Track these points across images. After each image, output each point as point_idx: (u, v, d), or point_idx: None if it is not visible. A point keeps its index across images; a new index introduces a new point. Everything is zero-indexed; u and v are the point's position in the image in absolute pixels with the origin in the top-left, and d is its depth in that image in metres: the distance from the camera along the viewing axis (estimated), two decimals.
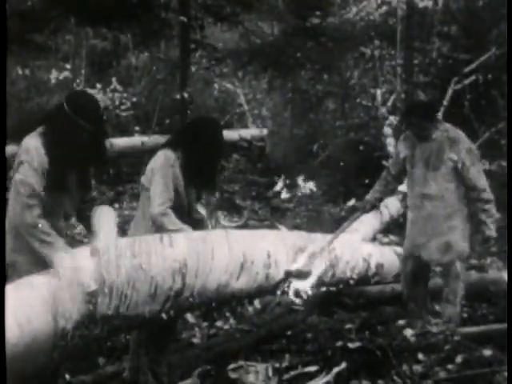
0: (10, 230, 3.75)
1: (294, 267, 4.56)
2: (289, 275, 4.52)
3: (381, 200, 5.77)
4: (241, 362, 4.88)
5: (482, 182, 5.30)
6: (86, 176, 4.05)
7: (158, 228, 4.36)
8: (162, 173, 4.43)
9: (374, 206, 5.68)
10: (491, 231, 5.33)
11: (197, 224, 4.64)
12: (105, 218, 3.95)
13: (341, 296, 6.01)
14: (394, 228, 8.77)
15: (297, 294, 4.56)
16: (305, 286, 4.55)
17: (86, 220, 4.04)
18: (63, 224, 3.97)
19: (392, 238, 8.46)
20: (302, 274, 4.56)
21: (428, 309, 5.61)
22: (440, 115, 5.75)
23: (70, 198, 3.95)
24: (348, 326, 5.55)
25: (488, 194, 5.30)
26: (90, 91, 15.07)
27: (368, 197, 5.66)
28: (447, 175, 5.30)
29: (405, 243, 5.64)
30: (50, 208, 3.79)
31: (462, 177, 5.28)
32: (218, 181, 4.93)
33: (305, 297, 4.58)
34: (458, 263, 5.36)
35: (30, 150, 3.70)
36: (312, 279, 4.61)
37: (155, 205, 4.38)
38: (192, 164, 4.53)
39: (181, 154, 4.53)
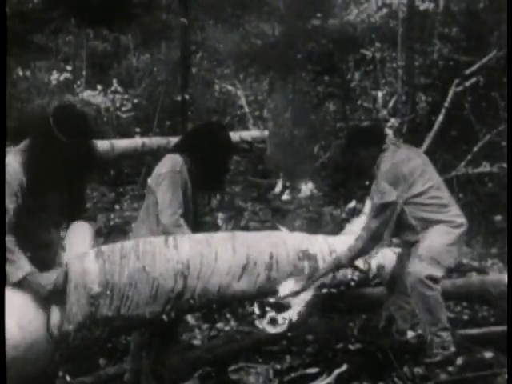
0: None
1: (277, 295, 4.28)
2: (266, 305, 4.29)
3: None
4: (241, 364, 4.89)
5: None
6: (75, 188, 3.97)
7: (164, 230, 4.34)
8: (170, 179, 4.41)
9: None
10: None
11: (203, 228, 4.63)
12: (77, 233, 3.92)
13: (340, 298, 6.01)
14: None
15: (272, 322, 4.28)
16: (281, 317, 4.25)
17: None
18: (55, 235, 3.95)
19: (393, 239, 8.46)
20: (279, 306, 4.30)
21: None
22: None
23: (58, 211, 3.90)
24: (349, 327, 5.57)
25: None
26: (90, 93, 15.13)
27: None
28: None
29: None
30: (37, 221, 3.77)
31: None
32: (225, 184, 4.89)
33: (280, 329, 4.27)
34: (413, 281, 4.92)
35: (8, 168, 3.61)
36: (290, 312, 4.29)
37: (166, 215, 4.35)
38: (199, 168, 4.51)
39: (188, 158, 4.51)
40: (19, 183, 3.63)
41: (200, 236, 4.26)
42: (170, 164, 4.48)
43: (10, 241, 3.55)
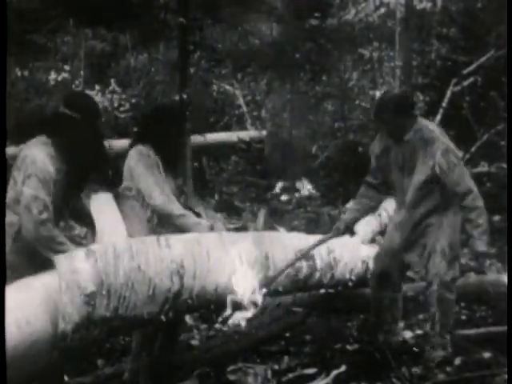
0: (9, 232, 3.73)
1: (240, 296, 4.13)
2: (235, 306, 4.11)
3: (357, 220, 5.16)
4: (240, 364, 4.89)
5: (463, 186, 4.66)
6: (86, 177, 4.06)
7: (165, 218, 4.40)
8: (142, 165, 4.43)
9: (349, 229, 5.08)
10: (480, 245, 4.64)
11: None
12: (106, 207, 3.99)
13: (339, 299, 6.01)
14: None
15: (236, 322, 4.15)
16: (244, 316, 4.09)
17: (79, 215, 4.09)
18: (62, 226, 3.99)
19: None
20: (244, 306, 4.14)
21: (394, 315, 5.14)
22: (417, 112, 5.06)
23: (66, 200, 3.96)
24: (347, 328, 5.57)
25: (471, 201, 4.64)
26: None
27: (344, 216, 5.19)
28: (424, 182, 4.74)
29: (384, 241, 5.29)
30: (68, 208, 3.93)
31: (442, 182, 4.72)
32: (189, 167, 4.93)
33: (243, 327, 4.18)
34: (436, 284, 4.78)
35: (37, 162, 3.71)
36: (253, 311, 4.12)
37: (155, 196, 4.37)
38: (163, 153, 4.52)
39: (150, 146, 4.51)
40: (51, 177, 3.72)
41: (189, 235, 4.26)
42: (136, 154, 4.49)
43: (59, 235, 3.72)
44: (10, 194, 3.77)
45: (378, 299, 5.11)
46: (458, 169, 4.68)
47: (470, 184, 4.68)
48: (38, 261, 3.66)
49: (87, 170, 3.96)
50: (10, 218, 3.74)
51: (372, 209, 5.32)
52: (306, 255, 4.80)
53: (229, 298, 4.03)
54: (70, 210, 4.03)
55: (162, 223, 4.47)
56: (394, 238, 5.02)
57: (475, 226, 4.63)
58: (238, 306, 4.04)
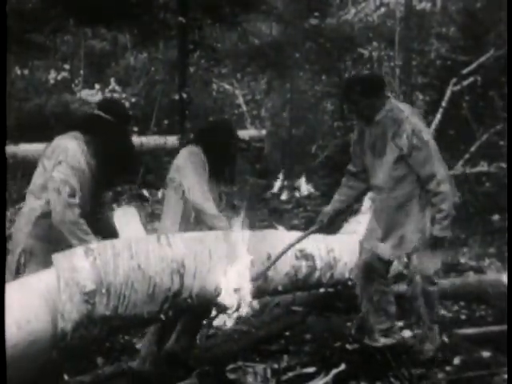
0: (30, 217, 3.92)
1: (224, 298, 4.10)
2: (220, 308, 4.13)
3: (340, 212, 5.00)
4: (239, 363, 4.88)
5: (428, 169, 4.53)
6: (114, 176, 4.31)
7: (198, 214, 4.57)
8: (191, 164, 4.66)
9: (333, 220, 4.96)
10: (436, 230, 4.53)
11: None
12: (128, 220, 4.12)
13: (338, 298, 6.01)
14: None
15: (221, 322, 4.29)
16: (231, 317, 4.11)
17: (99, 225, 4.19)
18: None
19: None
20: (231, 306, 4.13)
21: (387, 311, 4.96)
22: (392, 96, 4.84)
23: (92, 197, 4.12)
24: (346, 327, 5.56)
25: (435, 185, 4.51)
26: (88, 92, 15.13)
27: (326, 208, 5.00)
28: (394, 163, 4.61)
29: (364, 234, 5.05)
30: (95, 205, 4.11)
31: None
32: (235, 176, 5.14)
33: (228, 326, 4.29)
34: (418, 277, 4.69)
35: (69, 150, 3.90)
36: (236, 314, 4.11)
37: (194, 191, 4.57)
38: (212, 156, 4.74)
39: (202, 148, 4.75)
40: (81, 165, 3.91)
41: (192, 234, 4.27)
42: (188, 152, 4.74)
43: (84, 223, 3.86)
44: (36, 181, 3.96)
45: (367, 295, 4.91)
46: (424, 152, 4.54)
47: (435, 168, 4.54)
48: (58, 248, 3.71)
49: (115, 169, 4.14)
50: (31, 203, 3.94)
51: (354, 199, 5.13)
52: (289, 249, 4.67)
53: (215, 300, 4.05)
54: (94, 221, 4.11)
55: (198, 220, 4.62)
56: (374, 227, 4.88)
57: (437, 211, 4.51)
58: (223, 308, 4.07)
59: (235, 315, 4.11)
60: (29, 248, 3.88)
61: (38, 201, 3.92)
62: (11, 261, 3.92)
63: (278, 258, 4.56)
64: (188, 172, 4.62)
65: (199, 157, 4.70)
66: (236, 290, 4.06)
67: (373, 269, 4.85)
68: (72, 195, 3.83)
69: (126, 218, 4.15)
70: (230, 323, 4.14)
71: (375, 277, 4.86)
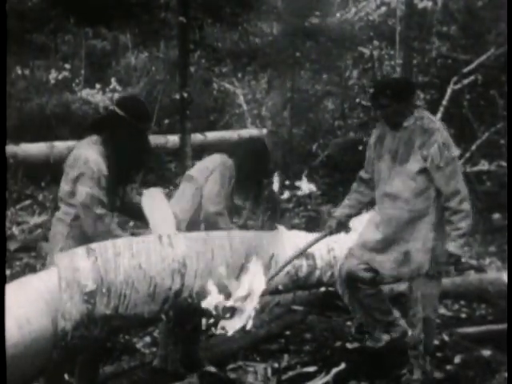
0: (66, 221, 4.04)
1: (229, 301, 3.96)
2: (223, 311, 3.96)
3: (350, 217, 4.84)
4: (240, 362, 4.90)
5: (452, 186, 4.36)
6: (133, 172, 4.36)
7: (210, 226, 4.61)
8: (219, 172, 4.75)
9: (342, 225, 4.82)
10: (454, 247, 4.34)
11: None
12: (156, 202, 4.19)
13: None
14: None
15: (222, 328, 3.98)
16: (232, 325, 3.91)
17: (128, 208, 4.35)
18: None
19: None
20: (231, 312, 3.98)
21: (381, 309, 4.80)
22: (418, 101, 4.73)
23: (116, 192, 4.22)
24: (347, 326, 5.57)
25: (457, 203, 4.35)
26: (88, 92, 15.14)
27: (335, 213, 4.87)
28: (416, 173, 4.42)
29: (357, 240, 4.79)
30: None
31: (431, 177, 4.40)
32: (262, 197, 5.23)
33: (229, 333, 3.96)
34: (418, 283, 4.48)
35: (89, 162, 3.95)
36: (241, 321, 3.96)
37: (211, 203, 4.66)
38: (241, 174, 4.85)
39: (235, 163, 4.85)
40: (103, 174, 3.98)
41: (195, 234, 4.27)
42: (221, 160, 4.84)
43: (116, 228, 3.99)
44: (64, 187, 4.05)
45: (356, 301, 4.75)
46: (451, 167, 4.38)
47: (459, 185, 4.40)
48: None
49: (134, 166, 4.22)
50: (64, 208, 4.06)
51: (364, 205, 4.95)
52: (299, 255, 4.63)
53: (213, 304, 3.90)
54: (120, 204, 4.25)
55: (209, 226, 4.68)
56: (374, 234, 4.64)
57: (455, 229, 4.34)
58: (224, 313, 3.93)
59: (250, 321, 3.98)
60: (67, 248, 3.95)
61: (67, 207, 4.05)
62: (49, 262, 4.02)
63: (288, 263, 4.52)
64: (213, 179, 4.71)
65: (230, 170, 4.79)
66: (246, 297, 4.00)
67: (358, 279, 4.67)
68: (99, 206, 3.93)
69: (153, 200, 4.22)
70: (231, 331, 4.01)
71: (361, 285, 4.69)
